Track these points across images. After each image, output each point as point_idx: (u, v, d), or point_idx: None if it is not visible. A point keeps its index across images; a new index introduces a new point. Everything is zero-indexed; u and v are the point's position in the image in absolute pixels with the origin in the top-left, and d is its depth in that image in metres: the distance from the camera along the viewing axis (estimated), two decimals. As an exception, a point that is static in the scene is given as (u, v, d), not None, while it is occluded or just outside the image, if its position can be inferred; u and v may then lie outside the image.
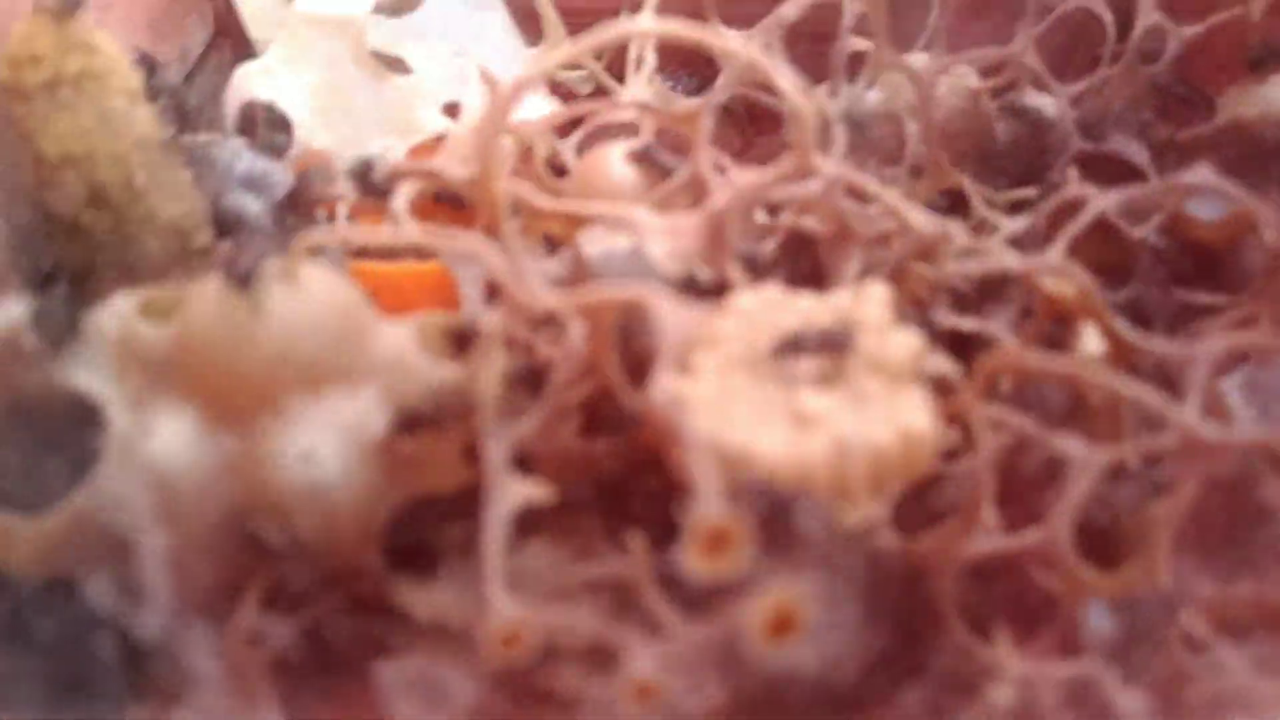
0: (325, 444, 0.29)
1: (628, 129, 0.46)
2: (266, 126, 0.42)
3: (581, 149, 0.44)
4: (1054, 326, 0.35)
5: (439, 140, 0.47)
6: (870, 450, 0.27)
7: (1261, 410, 0.34)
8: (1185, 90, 0.44)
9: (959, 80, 0.44)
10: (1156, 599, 0.29)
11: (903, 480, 0.28)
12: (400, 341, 0.31)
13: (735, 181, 0.35)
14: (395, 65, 0.49)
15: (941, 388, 0.31)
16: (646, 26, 0.33)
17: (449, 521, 0.31)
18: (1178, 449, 0.29)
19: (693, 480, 0.24)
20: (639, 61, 0.48)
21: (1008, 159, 0.44)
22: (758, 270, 0.37)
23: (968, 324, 0.35)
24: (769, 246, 0.39)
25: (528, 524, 0.28)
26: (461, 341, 0.32)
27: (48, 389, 0.30)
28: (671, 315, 0.29)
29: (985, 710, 0.26)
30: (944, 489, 0.31)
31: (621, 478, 0.31)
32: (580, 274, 0.36)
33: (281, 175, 0.40)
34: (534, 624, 0.26)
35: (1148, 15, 0.44)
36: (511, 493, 0.27)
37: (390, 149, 0.46)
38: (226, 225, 0.39)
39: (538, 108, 0.48)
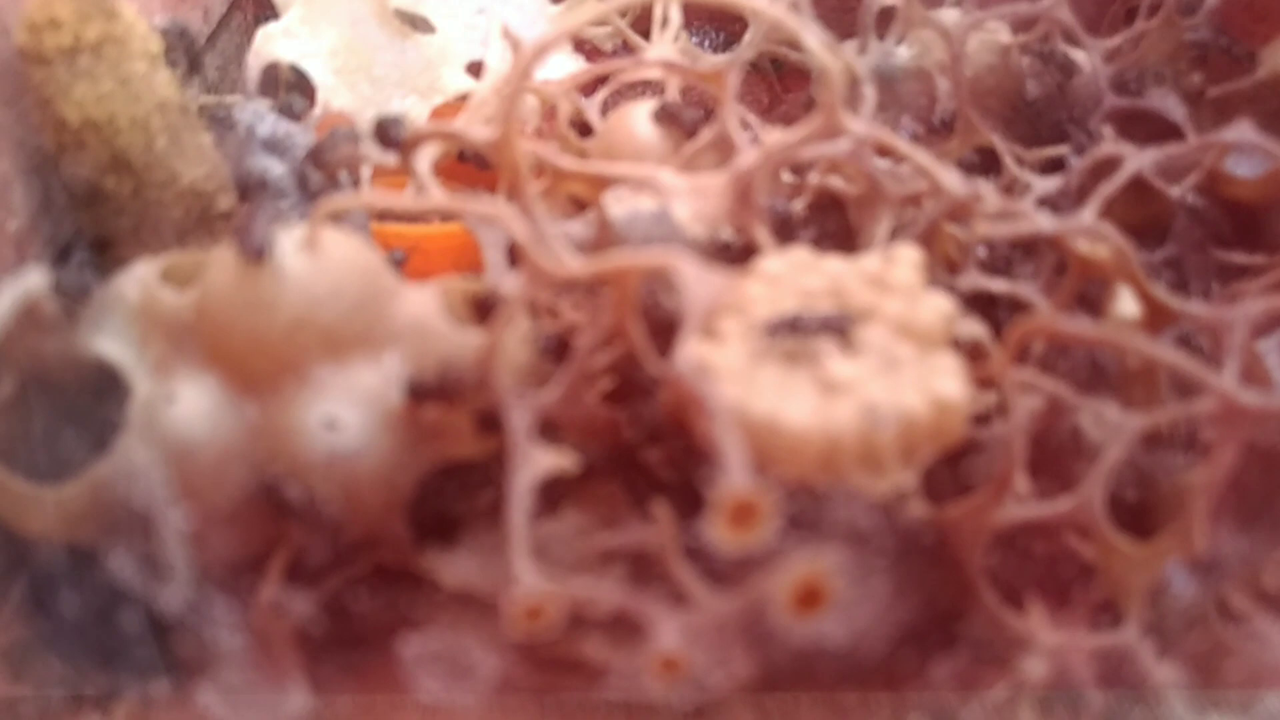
0: (348, 411, 0.29)
1: (653, 87, 0.45)
2: (288, 88, 0.41)
3: (606, 108, 0.44)
4: (1088, 288, 0.34)
5: (462, 100, 0.46)
6: (901, 418, 0.27)
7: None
8: (1225, 43, 0.43)
9: (990, 36, 0.44)
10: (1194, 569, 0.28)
11: (934, 449, 0.27)
12: (423, 307, 0.31)
13: (763, 141, 0.34)
14: (418, 24, 0.49)
15: (971, 351, 0.30)
16: (671, -16, 0.32)
17: (474, 489, 0.31)
18: (1215, 415, 0.28)
19: (718, 450, 0.24)
20: (664, 18, 0.47)
21: (1039, 116, 0.43)
22: (787, 229, 0.36)
23: (998, 286, 0.35)
24: (797, 206, 0.38)
25: (551, 491, 0.28)
26: (485, 307, 0.31)
27: (69, 357, 0.30)
28: (698, 281, 0.28)
29: (1017, 682, 0.26)
30: (975, 456, 0.30)
31: (645, 445, 0.30)
32: (605, 236, 0.35)
33: (303, 137, 0.39)
34: (559, 597, 0.25)
35: (1186, -34, 0.43)
36: (535, 462, 0.27)
37: (413, 109, 0.46)
38: (248, 188, 0.38)
39: (562, 66, 0.47)
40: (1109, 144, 0.36)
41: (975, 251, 0.35)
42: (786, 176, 0.39)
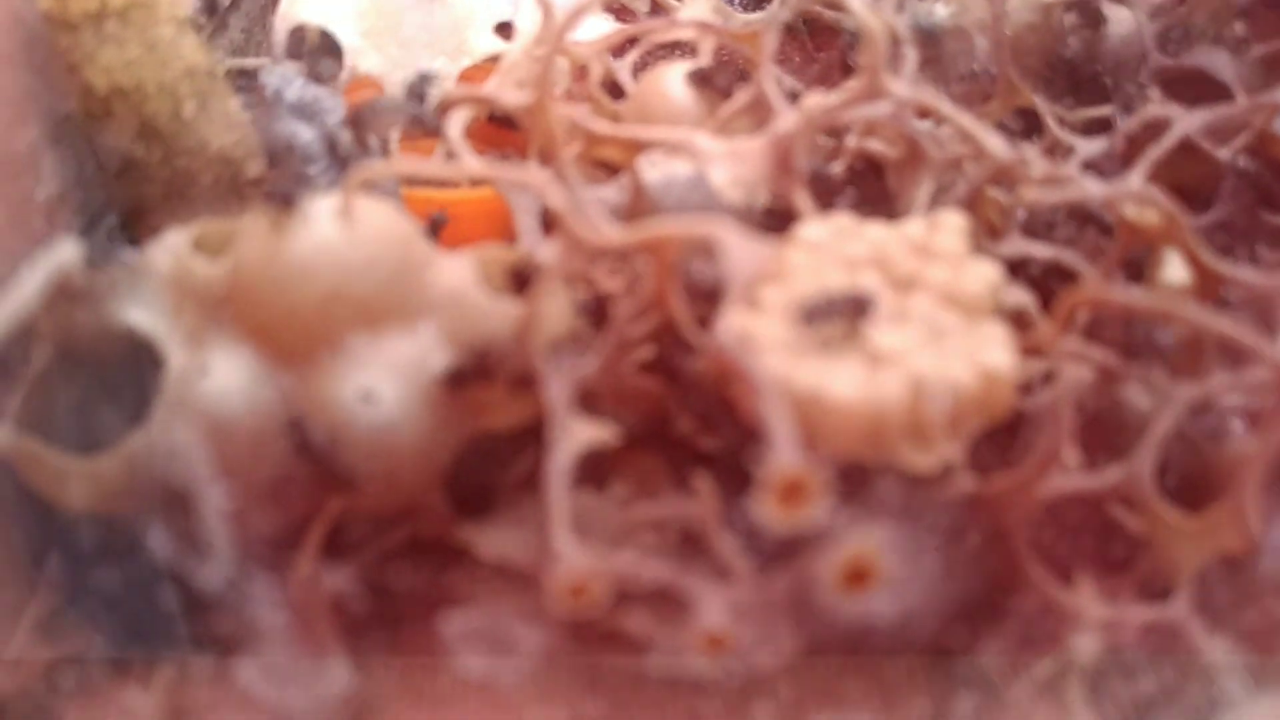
0: (384, 384, 0.29)
1: (685, 48, 0.44)
2: (316, 51, 0.41)
3: (638, 69, 0.43)
4: (1132, 252, 0.34)
5: (491, 62, 0.45)
6: (948, 390, 0.26)
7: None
8: (1274, -1, 0.42)
9: (1031, -7, 0.42)
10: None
11: (981, 421, 0.27)
12: (458, 277, 0.30)
13: (802, 104, 0.34)
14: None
15: (1017, 320, 0.30)
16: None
17: (510, 459, 0.31)
18: (1269, 385, 0.27)
19: (764, 425, 0.23)
20: (696, -24, 0.46)
21: (1082, 76, 0.42)
22: (827, 191, 0.36)
23: (1042, 252, 0.34)
24: (836, 169, 0.37)
25: (591, 464, 0.27)
26: (521, 276, 0.31)
27: (103, 330, 0.29)
28: (739, 250, 0.27)
29: (1066, 658, 0.26)
30: (1022, 427, 0.30)
31: (686, 417, 0.30)
32: (638, 202, 0.35)
33: (332, 102, 0.39)
34: (602, 573, 0.25)
35: (1235, -83, 0.41)
36: (575, 435, 0.26)
37: (441, 71, 0.45)
38: (277, 154, 0.38)
39: (593, 26, 0.46)
40: (1156, 105, 0.36)
41: (1018, 216, 0.35)
42: (821, 139, 0.38)
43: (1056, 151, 0.38)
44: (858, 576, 0.24)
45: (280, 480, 0.29)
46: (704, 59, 0.41)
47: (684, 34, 0.43)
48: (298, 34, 0.42)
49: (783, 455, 0.23)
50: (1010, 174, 0.33)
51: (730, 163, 0.34)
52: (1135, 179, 0.32)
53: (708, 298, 0.30)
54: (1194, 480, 0.30)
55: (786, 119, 0.33)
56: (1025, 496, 0.28)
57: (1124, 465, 0.28)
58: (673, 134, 0.35)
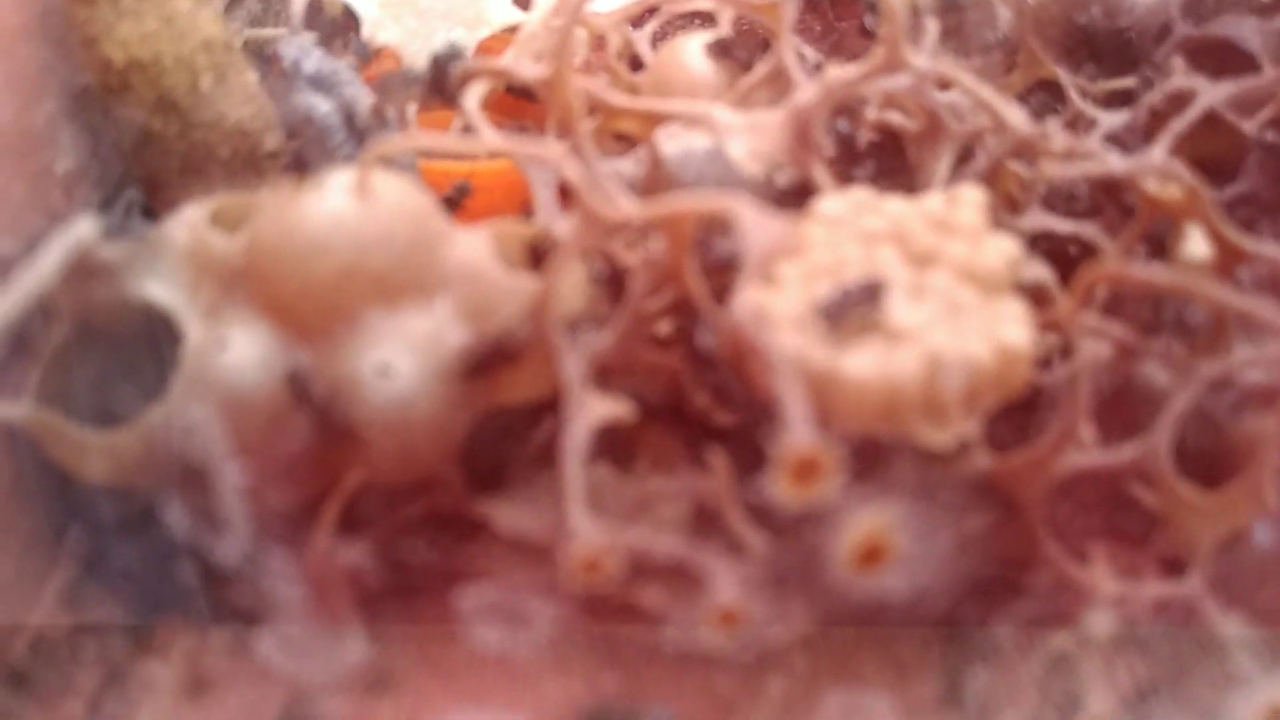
0: (401, 358, 0.29)
1: (703, 18, 0.44)
2: (333, 22, 0.41)
3: (656, 40, 0.43)
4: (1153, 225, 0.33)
5: (509, 32, 0.45)
6: (965, 366, 0.26)
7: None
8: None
9: (1055, -39, 0.42)
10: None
11: (997, 397, 0.27)
12: (475, 251, 0.30)
13: (822, 76, 0.33)
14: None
15: (1035, 295, 0.29)
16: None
17: (524, 432, 0.31)
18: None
19: (779, 403, 0.23)
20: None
21: (1106, 46, 0.41)
22: (851, 154, 0.35)
23: (1063, 226, 0.34)
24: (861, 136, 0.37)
25: (606, 439, 0.28)
26: (538, 252, 0.31)
27: (121, 304, 0.30)
28: (757, 226, 0.27)
29: (1080, 634, 0.26)
30: (1039, 403, 0.30)
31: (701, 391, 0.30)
32: (656, 174, 0.34)
33: (349, 74, 0.39)
34: (617, 550, 0.25)
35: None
36: (590, 411, 0.27)
37: (459, 41, 0.45)
38: (295, 126, 0.38)
39: (611, -4, 0.46)
40: (1180, 77, 0.35)
41: (1038, 190, 0.34)
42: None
43: (1079, 123, 0.38)
44: (872, 554, 0.24)
45: (297, 453, 0.29)
46: (723, 30, 0.41)
47: (703, 4, 0.43)
48: (315, 4, 0.42)
49: (797, 433, 0.23)
50: (1031, 147, 0.33)
51: (749, 136, 0.33)
52: (1158, 153, 0.32)
53: (724, 270, 0.29)
54: (1212, 457, 0.30)
55: (806, 92, 0.33)
56: (1041, 473, 0.27)
57: (1141, 442, 0.28)
58: (690, 107, 0.35)
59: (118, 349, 0.30)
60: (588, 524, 0.25)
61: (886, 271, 0.28)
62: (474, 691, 0.29)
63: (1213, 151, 0.37)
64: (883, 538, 0.23)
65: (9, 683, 0.29)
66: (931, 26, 0.36)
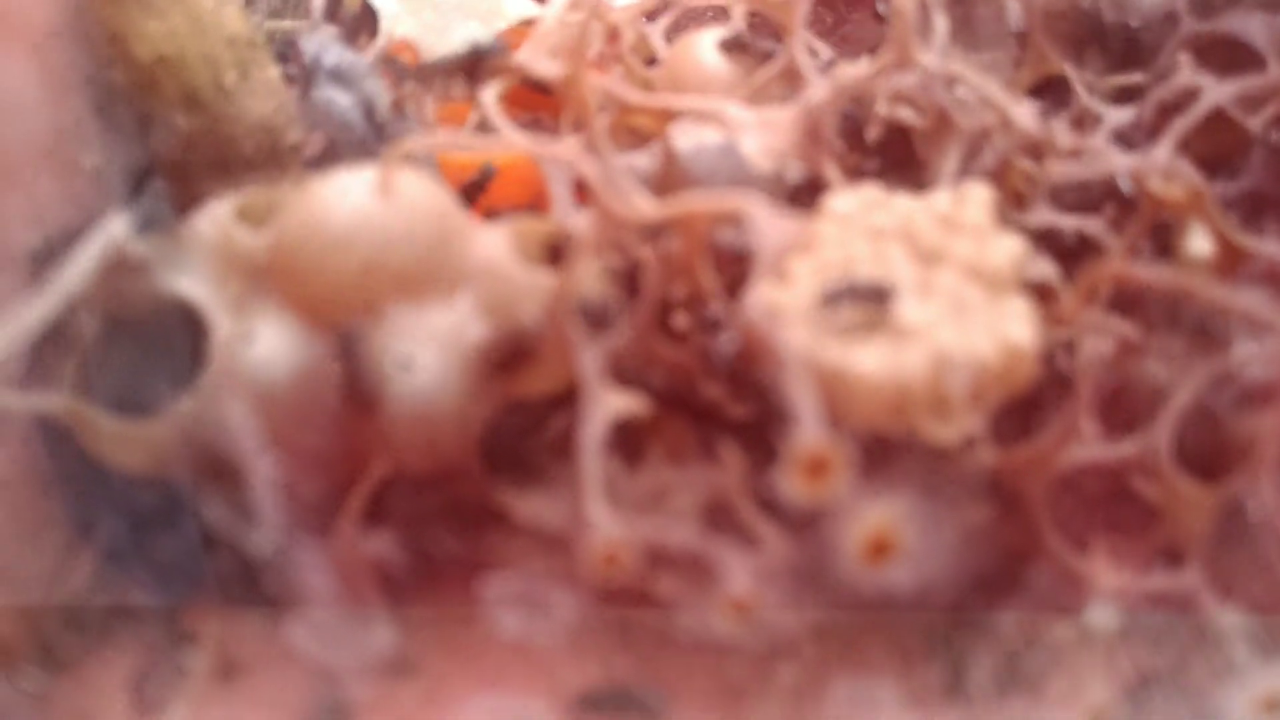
0: (423, 352, 0.30)
1: (717, 12, 0.44)
2: (354, 17, 0.41)
3: (669, 35, 0.43)
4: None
5: (526, 26, 0.46)
6: (971, 364, 0.27)
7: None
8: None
9: (1064, -44, 0.42)
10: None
11: (1002, 394, 0.27)
12: (495, 248, 0.31)
13: (833, 75, 0.34)
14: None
15: (1040, 292, 0.30)
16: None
17: (541, 422, 0.32)
18: (1288, 360, 0.28)
19: (789, 400, 0.24)
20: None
21: (1112, 41, 0.42)
22: (860, 142, 0.36)
23: (1068, 223, 0.34)
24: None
25: (621, 432, 0.28)
26: (556, 249, 0.32)
27: (151, 299, 0.30)
28: (769, 224, 0.28)
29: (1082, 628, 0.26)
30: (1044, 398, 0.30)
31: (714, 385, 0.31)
32: (669, 169, 0.35)
33: (368, 69, 0.39)
34: (635, 543, 0.26)
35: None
36: (607, 406, 0.27)
37: (475, 35, 0.45)
38: (315, 120, 0.38)
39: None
40: (1186, 74, 0.36)
41: (1045, 186, 0.35)
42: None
43: (1085, 120, 0.39)
44: (880, 549, 0.24)
45: (322, 444, 0.30)
46: (736, 25, 0.42)
47: (716, -1, 0.43)
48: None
49: (808, 431, 0.23)
50: (1037, 144, 0.33)
51: (761, 132, 0.34)
52: (1162, 152, 0.32)
53: (736, 261, 0.30)
54: (1212, 452, 0.30)
55: (817, 90, 0.34)
56: (1044, 467, 0.28)
57: (1142, 437, 0.29)
58: (703, 103, 0.36)
59: (148, 342, 0.31)
60: (606, 517, 0.26)
61: (895, 271, 0.28)
62: (493, 675, 0.30)
63: (1217, 148, 0.38)
64: (891, 532, 0.24)
65: (45, 664, 0.30)
66: (941, 24, 0.36)
